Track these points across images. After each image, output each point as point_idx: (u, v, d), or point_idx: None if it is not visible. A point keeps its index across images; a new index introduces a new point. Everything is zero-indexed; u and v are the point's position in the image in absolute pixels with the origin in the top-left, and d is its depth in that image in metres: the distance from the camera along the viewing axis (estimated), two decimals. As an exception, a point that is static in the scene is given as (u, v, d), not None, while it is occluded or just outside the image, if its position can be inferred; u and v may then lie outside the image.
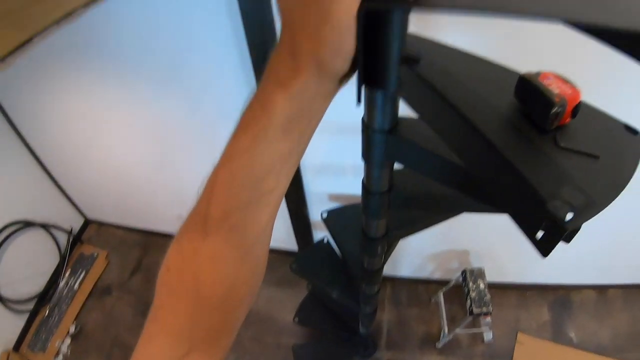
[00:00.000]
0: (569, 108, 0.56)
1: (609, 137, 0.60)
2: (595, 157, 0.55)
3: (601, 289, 2.95)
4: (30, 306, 3.28)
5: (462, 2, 0.31)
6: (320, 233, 2.60)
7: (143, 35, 1.89)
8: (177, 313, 0.43)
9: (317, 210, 2.40)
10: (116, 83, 2.24)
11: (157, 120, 2.39)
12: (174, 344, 0.42)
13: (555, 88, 0.56)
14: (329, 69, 0.35)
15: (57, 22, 0.64)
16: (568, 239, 0.58)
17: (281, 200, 0.46)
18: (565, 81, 0.58)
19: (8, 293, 3.06)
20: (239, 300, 0.46)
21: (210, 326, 0.44)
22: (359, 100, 0.40)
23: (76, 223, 3.68)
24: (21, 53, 0.55)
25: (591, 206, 0.48)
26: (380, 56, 0.36)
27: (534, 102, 0.56)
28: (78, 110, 2.56)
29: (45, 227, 3.32)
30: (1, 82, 2.51)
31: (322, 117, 0.42)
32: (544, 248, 0.50)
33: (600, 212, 0.48)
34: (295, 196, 2.43)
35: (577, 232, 0.53)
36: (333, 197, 2.44)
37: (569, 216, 0.46)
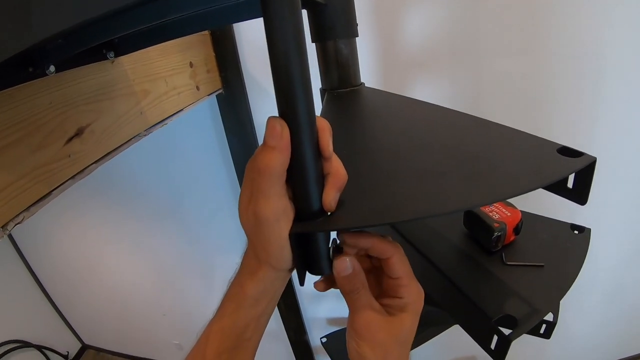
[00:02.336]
0: (510, 229, 0.65)
1: (555, 240, 0.69)
2: (540, 266, 0.62)
3: None
4: None
5: (367, 219, 0.41)
6: (323, 357, 2.57)
7: (146, 174, 2.04)
8: None
9: (317, 335, 2.40)
10: (119, 215, 2.34)
11: (157, 252, 2.47)
12: None
13: (495, 214, 0.65)
14: (277, 267, 0.49)
15: (73, 177, 0.74)
16: (547, 335, 0.64)
17: (258, 344, 0.59)
18: (506, 205, 0.67)
19: None
20: None
21: None
22: (301, 284, 0.51)
23: (73, 348, 3.59)
24: (43, 205, 0.64)
25: (534, 314, 0.55)
26: (312, 256, 0.48)
27: (478, 230, 0.65)
28: (80, 239, 2.64)
29: (41, 349, 3.24)
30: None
31: (281, 291, 0.57)
32: (498, 357, 0.56)
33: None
34: (295, 323, 2.44)
35: (554, 327, 0.59)
36: (331, 321, 2.46)
37: (514, 327, 0.52)
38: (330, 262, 0.48)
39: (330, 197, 0.43)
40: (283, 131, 0.40)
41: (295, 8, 0.35)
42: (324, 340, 2.06)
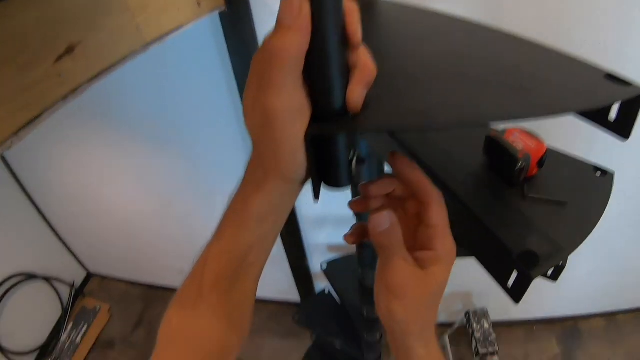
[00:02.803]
0: (534, 161, 0.60)
1: (578, 181, 0.64)
2: (563, 203, 0.58)
3: (610, 316, 2.88)
4: (32, 358, 3.24)
5: (394, 122, 0.35)
6: (322, 283, 2.61)
7: (146, 97, 1.97)
8: (178, 359, 0.50)
9: (317, 261, 2.42)
10: (120, 140, 2.30)
11: (158, 175, 2.45)
12: None
13: (519, 144, 0.60)
14: (289, 177, 0.43)
15: (64, 98, 0.69)
16: (554, 278, 0.60)
17: (262, 270, 0.54)
18: (531, 136, 0.62)
19: (9, 345, 3.03)
20: (230, 351, 0.54)
21: None
22: (316, 197, 0.46)
23: (78, 276, 3.67)
24: (32, 128, 0.60)
25: (557, 253, 0.51)
26: (330, 164, 0.42)
27: (500, 159, 0.61)
28: (81, 166, 2.62)
29: (47, 280, 3.31)
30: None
31: (291, 208, 0.51)
32: (516, 295, 0.53)
33: (576, 252, 0.51)
34: (295, 248, 2.45)
35: (562, 270, 0.56)
36: (332, 248, 2.47)
37: (536, 265, 0.49)
38: (350, 172, 0.43)
39: (357, 93, 0.36)
40: (302, 6, 0.32)
41: None
42: (324, 266, 2.07)
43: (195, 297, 0.50)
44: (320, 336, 2.70)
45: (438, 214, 0.46)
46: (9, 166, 2.88)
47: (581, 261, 2.07)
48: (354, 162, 0.43)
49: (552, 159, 0.64)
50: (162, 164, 2.34)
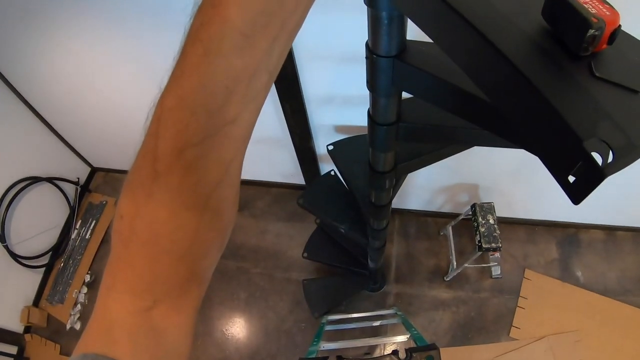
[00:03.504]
0: (607, 32, 0.47)
1: None
2: (635, 91, 0.47)
3: (610, 230, 2.94)
4: (45, 260, 3.34)
5: None
6: (328, 166, 2.56)
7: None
8: (135, 266, 0.38)
9: (323, 142, 2.34)
10: (107, 22, 2.13)
11: (151, 58, 2.29)
12: (134, 299, 0.38)
13: (592, 8, 0.48)
14: None
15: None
16: None
17: (250, 134, 0.38)
18: (603, 2, 0.49)
19: (22, 250, 3.11)
20: (205, 248, 0.40)
21: (175, 278, 0.39)
22: None
23: (82, 173, 3.68)
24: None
25: (633, 149, 0.41)
26: None
27: (566, 22, 0.48)
28: (71, 58, 2.46)
29: (52, 180, 3.31)
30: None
31: (303, 17, 0.34)
32: (577, 194, 0.44)
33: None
34: (300, 128, 2.36)
35: None
36: (340, 129, 2.37)
37: (609, 159, 0.40)
38: None
39: None
40: None
41: None
42: (331, 147, 2.00)
43: (148, 179, 0.36)
44: (324, 221, 2.71)
45: None
46: (0, 73, 2.74)
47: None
48: None
49: (621, 38, 0.51)
50: (154, 44, 2.17)
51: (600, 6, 0.48)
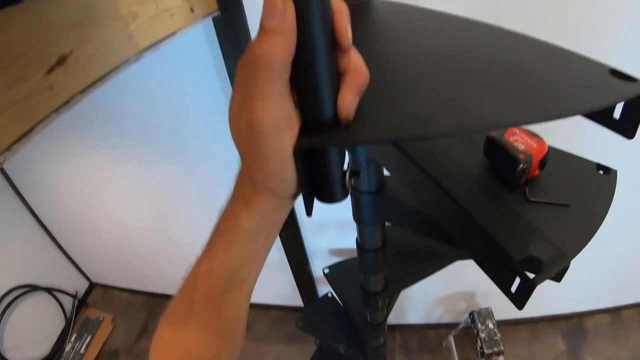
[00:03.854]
0: (536, 162, 0.58)
1: (580, 180, 0.63)
2: (565, 205, 0.57)
3: (615, 311, 2.88)
4: None
5: (389, 132, 0.33)
6: (325, 288, 2.59)
7: (142, 106, 1.97)
8: None
9: (319, 265, 2.41)
10: (117, 150, 2.29)
11: (158, 184, 2.44)
12: None
13: (520, 144, 0.59)
14: (278, 193, 0.41)
15: (57, 110, 0.68)
16: (558, 279, 0.59)
17: (253, 286, 0.53)
18: (532, 135, 0.61)
19: (14, 357, 3.03)
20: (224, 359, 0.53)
21: None
22: (309, 214, 0.44)
23: (81, 287, 3.67)
24: (25, 142, 0.59)
25: (560, 258, 0.49)
26: (322, 179, 0.41)
27: (501, 160, 0.59)
28: (81, 177, 2.61)
29: (50, 291, 3.31)
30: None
31: (282, 223, 0.50)
32: (519, 301, 0.51)
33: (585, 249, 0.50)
34: (297, 254, 2.44)
35: (566, 271, 0.54)
36: (335, 252, 2.46)
37: (539, 271, 0.48)
38: (345, 186, 0.41)
39: (348, 100, 0.34)
40: (286, 8, 0.30)
41: None
42: (327, 270, 2.05)
43: (186, 314, 0.50)
44: (324, 341, 2.68)
45: None
46: (9, 179, 2.88)
47: (584, 257, 2.07)
48: (347, 175, 0.41)
49: (553, 158, 0.62)
50: (160, 171, 2.33)
51: (529, 140, 0.60)
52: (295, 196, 0.44)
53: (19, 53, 0.58)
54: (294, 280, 2.74)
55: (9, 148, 0.60)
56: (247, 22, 1.32)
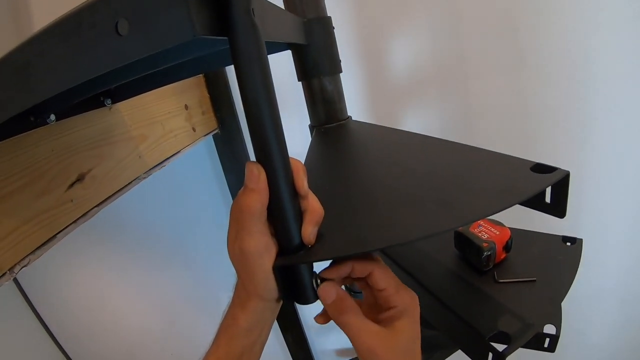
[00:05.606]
0: (499, 247, 0.67)
1: (547, 253, 0.70)
2: (532, 281, 0.64)
3: None
4: None
5: (338, 251, 0.44)
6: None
7: (147, 214, 2.05)
8: None
9: (327, 368, 2.39)
10: (122, 259, 2.33)
11: (163, 293, 2.46)
12: None
13: (484, 234, 0.67)
14: (265, 297, 0.52)
15: (75, 221, 0.76)
16: (551, 349, 0.64)
17: None
18: (494, 224, 0.70)
19: None
20: None
21: None
22: (294, 305, 0.55)
23: None
24: (47, 248, 0.66)
25: (528, 329, 0.56)
26: (296, 287, 0.51)
27: (468, 250, 0.67)
28: (87, 284, 2.61)
29: None
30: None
31: (273, 320, 0.60)
32: None
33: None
34: (303, 357, 2.43)
35: (557, 339, 0.60)
36: (340, 353, 2.44)
37: (508, 343, 0.54)
38: (315, 291, 0.51)
39: (308, 231, 0.46)
40: (260, 175, 0.44)
41: (260, 57, 0.38)
42: (334, 372, 2.05)
43: None
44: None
45: (382, 278, 0.48)
46: (17, 283, 2.89)
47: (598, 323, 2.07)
48: (316, 282, 0.51)
49: (519, 239, 0.71)
50: (166, 280, 2.37)
51: (491, 229, 0.69)
52: (279, 299, 0.55)
53: (45, 169, 0.67)
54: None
55: (33, 252, 0.68)
56: (244, 137, 1.46)
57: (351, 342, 0.49)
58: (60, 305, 2.73)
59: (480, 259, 0.65)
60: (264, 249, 0.47)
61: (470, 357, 0.62)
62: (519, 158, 0.50)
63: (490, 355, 0.57)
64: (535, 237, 0.75)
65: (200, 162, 1.69)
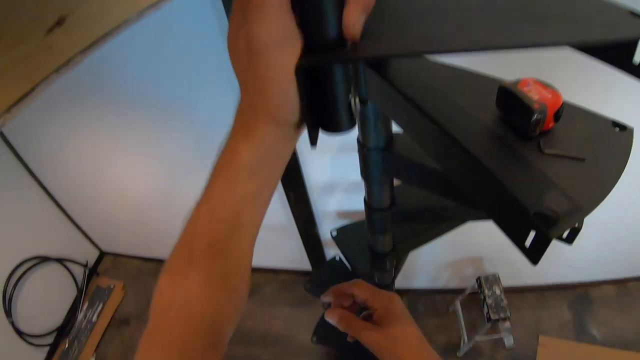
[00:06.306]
0: (550, 113, 0.56)
1: (596, 136, 0.60)
2: (581, 160, 0.55)
3: (621, 283, 2.88)
4: (50, 340, 3.29)
5: (409, 45, 0.32)
6: (333, 251, 2.60)
7: (151, 70, 1.93)
8: (171, 330, 0.47)
9: (327, 228, 2.41)
10: (124, 116, 2.27)
11: (165, 150, 2.42)
12: (168, 357, 0.46)
13: (534, 94, 0.57)
14: (280, 119, 0.39)
15: (57, 70, 0.67)
16: (570, 240, 0.58)
17: (257, 232, 0.50)
18: (546, 86, 0.58)
19: (27, 328, 3.08)
20: (226, 319, 0.50)
21: (201, 342, 0.47)
22: (313, 143, 0.42)
23: (91, 256, 3.71)
24: (26, 104, 0.58)
25: (577, 211, 0.48)
26: (326, 104, 0.38)
27: (514, 111, 0.57)
28: (87, 144, 2.59)
29: (61, 261, 3.34)
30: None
31: (288, 158, 0.47)
32: (533, 256, 0.50)
33: (599, 210, 0.48)
34: (304, 217, 2.43)
35: (578, 232, 0.53)
36: (342, 214, 2.44)
37: (554, 224, 0.46)
38: (352, 114, 0.39)
39: (354, 17, 0.32)
40: None
41: None
42: (334, 233, 2.05)
43: (185, 264, 0.47)
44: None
45: (361, 293, 0.65)
46: (15, 151, 2.87)
47: (592, 226, 2.07)
48: (355, 102, 0.39)
49: (568, 112, 0.60)
50: (168, 137, 2.31)
51: (543, 91, 0.58)
52: (298, 125, 0.42)
53: (17, 15, 0.57)
54: (302, 244, 2.75)
55: (9, 110, 0.59)
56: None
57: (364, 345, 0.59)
58: (64, 174, 2.71)
59: (528, 122, 0.55)
60: (283, 37, 0.33)
61: (508, 235, 0.55)
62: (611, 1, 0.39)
63: (532, 234, 0.49)
64: (583, 114, 0.63)
65: (202, 9, 1.53)
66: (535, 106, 0.55)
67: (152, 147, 2.45)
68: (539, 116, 0.55)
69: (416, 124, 0.62)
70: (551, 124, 0.58)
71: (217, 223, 0.45)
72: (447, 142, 0.56)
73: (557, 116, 0.58)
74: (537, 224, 0.47)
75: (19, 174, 2.99)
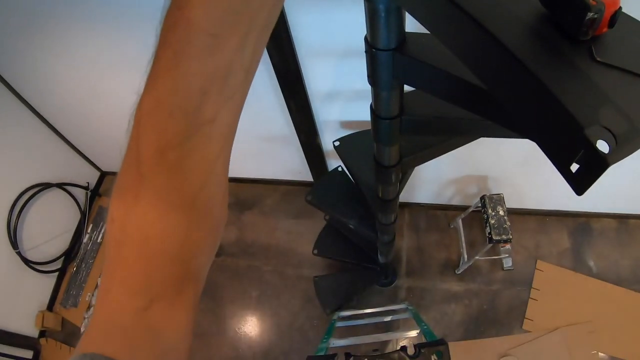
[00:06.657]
0: (607, 14, 0.46)
1: None
2: (637, 75, 0.46)
3: (622, 218, 2.90)
4: (58, 265, 3.37)
5: None
6: (335, 162, 2.54)
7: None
8: (130, 267, 0.38)
9: (329, 138, 2.33)
10: (110, 26, 2.12)
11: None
12: (130, 299, 0.38)
13: (589, -9, 0.46)
14: None
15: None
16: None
17: (232, 132, 0.38)
18: (602, -14, 0.48)
19: (34, 256, 3.14)
20: (196, 247, 0.40)
21: (169, 278, 0.39)
22: None
23: (92, 177, 3.70)
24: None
25: (637, 135, 0.40)
26: None
27: (564, 6, 0.47)
28: (75, 62, 2.46)
29: (62, 186, 3.34)
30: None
31: (277, 12, 0.34)
32: (580, 184, 0.42)
33: None
34: (306, 125, 2.35)
35: None
36: (345, 124, 2.36)
37: (612, 146, 0.38)
38: None
39: None
40: None
41: None
42: (337, 143, 1.99)
43: (135, 181, 0.36)
44: (333, 217, 2.70)
45: None
46: (5, 80, 2.77)
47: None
48: None
49: (622, 20, 0.50)
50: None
51: None
52: None
53: None
54: (303, 154, 2.69)
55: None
56: None
57: None
58: (55, 94, 2.59)
59: (581, 20, 0.45)
60: None
61: (548, 154, 0.47)
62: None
63: (581, 155, 0.41)
64: (637, 27, 0.52)
65: None
66: (592, 2, 0.44)
67: (142, 57, 2.31)
68: (595, 15, 0.45)
69: (444, 17, 0.52)
70: (605, 29, 0.48)
71: (167, 121, 0.34)
72: (483, 41, 0.47)
73: (612, 20, 0.47)
74: (590, 144, 0.39)
75: (14, 104, 2.91)
